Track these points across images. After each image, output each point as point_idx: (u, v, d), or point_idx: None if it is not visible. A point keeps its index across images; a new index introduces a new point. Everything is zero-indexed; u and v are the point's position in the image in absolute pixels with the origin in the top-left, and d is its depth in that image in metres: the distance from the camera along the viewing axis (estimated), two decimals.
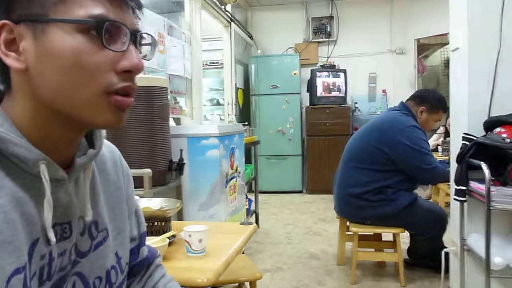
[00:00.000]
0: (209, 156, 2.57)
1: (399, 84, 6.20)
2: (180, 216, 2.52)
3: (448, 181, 2.50)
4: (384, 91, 6.33)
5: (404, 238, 2.98)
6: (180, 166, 2.28)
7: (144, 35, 0.62)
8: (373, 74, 6.39)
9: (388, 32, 6.32)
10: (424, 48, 6.86)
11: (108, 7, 0.56)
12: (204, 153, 2.58)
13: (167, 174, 2.28)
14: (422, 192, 5.02)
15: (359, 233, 2.78)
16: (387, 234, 2.96)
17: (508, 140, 1.87)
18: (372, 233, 2.98)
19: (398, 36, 6.25)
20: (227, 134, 2.76)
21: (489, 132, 2.06)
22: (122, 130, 2.20)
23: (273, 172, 5.92)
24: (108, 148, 0.78)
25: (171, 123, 3.32)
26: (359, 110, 6.28)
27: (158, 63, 3.29)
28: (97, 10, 0.55)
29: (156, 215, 1.44)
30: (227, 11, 5.31)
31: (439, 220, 2.68)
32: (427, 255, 2.84)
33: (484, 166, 1.85)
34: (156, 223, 1.44)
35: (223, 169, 2.66)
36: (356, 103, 6.30)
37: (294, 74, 6.03)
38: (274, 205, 5.22)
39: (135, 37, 0.60)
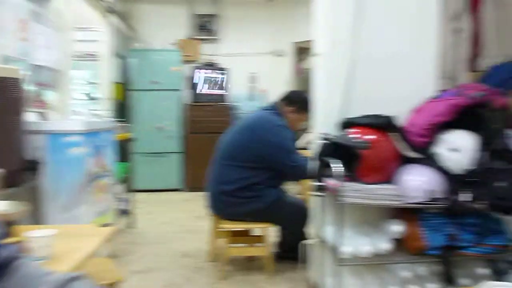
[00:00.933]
0: (72, 154, 2.41)
1: (278, 85, 6.42)
2: (38, 219, 2.33)
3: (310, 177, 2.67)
4: (263, 91, 6.56)
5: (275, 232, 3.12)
6: (34, 165, 2.10)
7: None
8: (254, 74, 6.59)
9: (269, 34, 6.56)
10: (302, 51, 7.25)
11: None
12: (66, 151, 2.41)
13: (20, 174, 2.09)
14: (293, 188, 5.29)
15: (230, 229, 2.84)
16: (258, 229, 3.07)
17: (356, 140, 2.06)
18: (243, 229, 3.07)
19: (278, 38, 6.52)
20: (94, 131, 2.62)
21: (342, 132, 2.25)
22: None
23: (151, 170, 5.77)
24: None
25: (35, 118, 3.05)
26: (240, 109, 6.42)
27: (18, 51, 2.99)
28: None
29: None
30: (105, 0, 5.04)
31: (301, 214, 2.84)
32: (294, 248, 3.00)
33: (332, 163, 2.01)
34: None
35: (88, 168, 2.51)
36: (237, 101, 6.43)
37: (176, 70, 5.95)
38: (151, 204, 5.10)
39: None
